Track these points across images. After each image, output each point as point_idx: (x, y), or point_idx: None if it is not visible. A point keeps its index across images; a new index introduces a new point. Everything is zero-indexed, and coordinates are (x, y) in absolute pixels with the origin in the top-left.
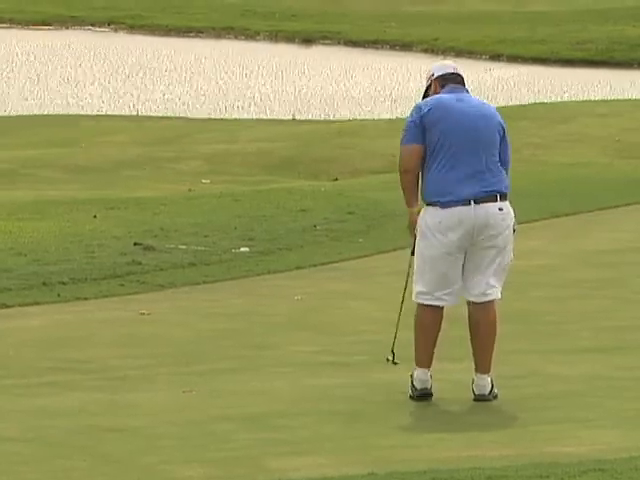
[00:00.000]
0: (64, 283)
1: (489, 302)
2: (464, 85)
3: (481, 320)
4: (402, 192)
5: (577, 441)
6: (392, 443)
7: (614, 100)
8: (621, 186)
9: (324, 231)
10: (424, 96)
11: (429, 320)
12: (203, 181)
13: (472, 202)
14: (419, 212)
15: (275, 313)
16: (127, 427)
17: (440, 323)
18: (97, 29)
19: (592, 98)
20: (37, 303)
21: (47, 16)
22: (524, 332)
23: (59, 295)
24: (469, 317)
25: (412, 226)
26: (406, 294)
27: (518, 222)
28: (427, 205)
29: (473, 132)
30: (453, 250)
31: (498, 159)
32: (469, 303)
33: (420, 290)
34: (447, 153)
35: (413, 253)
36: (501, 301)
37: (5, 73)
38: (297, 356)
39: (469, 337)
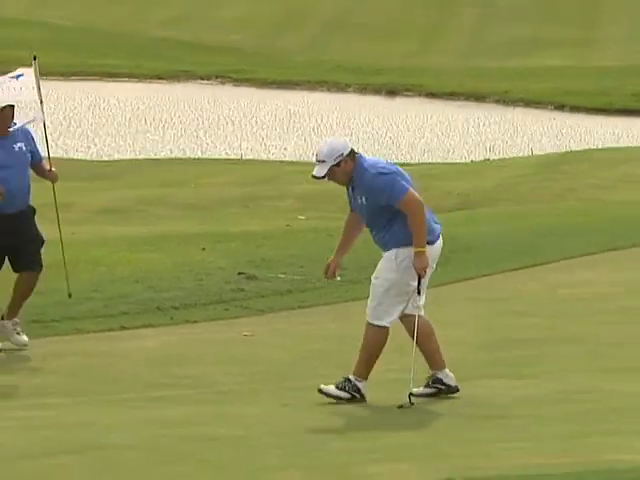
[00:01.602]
0: (176, 308)
1: None
2: None
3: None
4: (421, 231)
5: (633, 450)
6: (466, 452)
7: None
8: None
9: None
10: (328, 175)
11: (386, 340)
12: (299, 217)
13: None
14: None
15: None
16: (230, 436)
17: None
18: (205, 82)
19: None
20: (151, 325)
21: (161, 71)
22: (584, 352)
23: (171, 318)
24: (418, 326)
25: (427, 266)
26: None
27: (579, 254)
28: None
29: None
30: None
31: None
32: (413, 316)
33: (395, 318)
34: None
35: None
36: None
37: (123, 122)
38: (384, 374)
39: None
